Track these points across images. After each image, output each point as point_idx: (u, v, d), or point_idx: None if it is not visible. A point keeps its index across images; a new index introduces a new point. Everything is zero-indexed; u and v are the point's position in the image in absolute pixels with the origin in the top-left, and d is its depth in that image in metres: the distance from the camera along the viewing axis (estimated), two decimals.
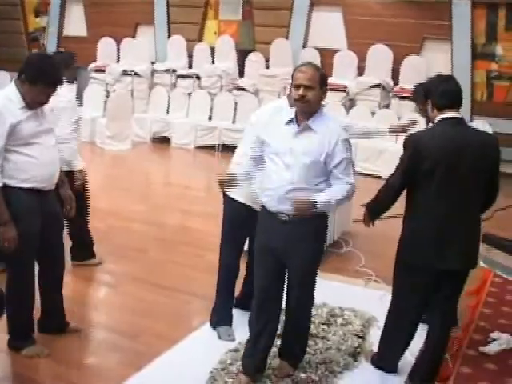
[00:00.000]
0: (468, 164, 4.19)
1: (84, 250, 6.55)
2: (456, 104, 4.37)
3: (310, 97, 4.07)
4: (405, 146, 4.33)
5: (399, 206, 4.52)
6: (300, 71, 4.16)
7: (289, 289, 4.45)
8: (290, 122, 4.23)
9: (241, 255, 5.25)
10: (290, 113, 4.27)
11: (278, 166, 4.18)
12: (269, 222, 4.30)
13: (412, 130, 5.56)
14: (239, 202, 4.97)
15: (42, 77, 4.34)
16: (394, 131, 6.03)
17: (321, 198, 4.05)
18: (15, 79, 4.44)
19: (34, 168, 4.43)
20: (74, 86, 7.18)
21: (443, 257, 4.24)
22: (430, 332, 4.57)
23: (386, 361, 4.80)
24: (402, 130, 5.81)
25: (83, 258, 6.53)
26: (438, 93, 4.36)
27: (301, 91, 4.06)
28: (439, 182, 4.18)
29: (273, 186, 4.19)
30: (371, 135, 6.02)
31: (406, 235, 4.40)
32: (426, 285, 4.42)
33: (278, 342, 4.79)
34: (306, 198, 4.04)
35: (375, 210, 4.61)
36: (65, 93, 5.78)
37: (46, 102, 4.48)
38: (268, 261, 4.33)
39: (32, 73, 4.34)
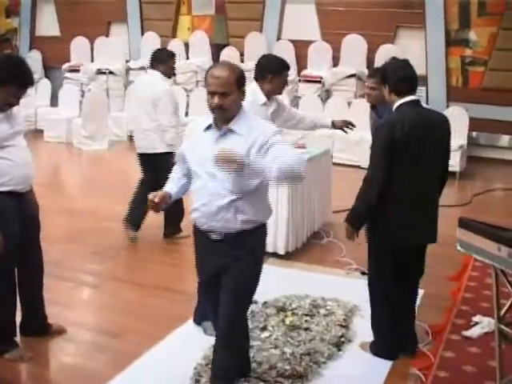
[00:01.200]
0: (433, 144, 4.47)
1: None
2: (415, 88, 4.57)
3: (227, 104, 3.70)
4: (379, 135, 4.41)
5: None
6: (212, 76, 3.71)
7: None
8: (208, 128, 3.87)
9: None
10: (208, 118, 3.88)
11: (203, 179, 3.82)
12: (201, 240, 4.03)
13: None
14: None
15: (11, 78, 4.27)
16: (336, 126, 6.20)
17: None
18: None
19: (11, 170, 4.39)
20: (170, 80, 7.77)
21: (419, 234, 4.59)
22: (403, 306, 4.82)
23: (384, 347, 4.85)
24: (343, 126, 6.04)
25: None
26: (397, 78, 4.51)
27: (216, 99, 3.67)
28: (412, 164, 4.38)
29: (202, 202, 3.83)
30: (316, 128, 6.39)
31: (387, 219, 4.47)
32: (405, 263, 4.66)
33: None
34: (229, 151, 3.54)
35: (361, 214, 4.58)
36: (161, 83, 6.89)
37: (17, 103, 4.42)
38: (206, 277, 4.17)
39: (2, 74, 4.29)
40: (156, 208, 3.97)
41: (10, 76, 4.28)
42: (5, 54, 5.48)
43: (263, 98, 5.42)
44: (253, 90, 5.41)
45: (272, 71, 5.41)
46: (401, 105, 4.47)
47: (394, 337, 4.80)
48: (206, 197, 3.80)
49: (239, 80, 3.74)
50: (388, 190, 4.39)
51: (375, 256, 4.70)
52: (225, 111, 3.72)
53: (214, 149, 3.62)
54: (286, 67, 5.47)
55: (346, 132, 6.35)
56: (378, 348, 4.86)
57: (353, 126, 6.22)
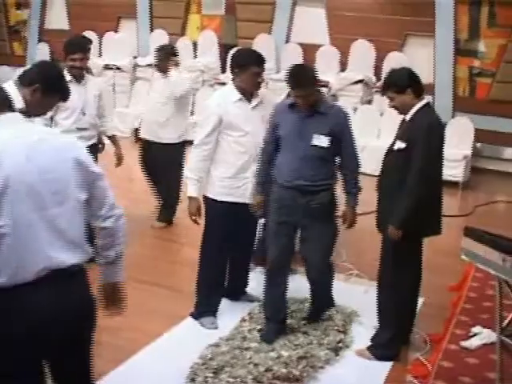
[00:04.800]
0: None
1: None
2: None
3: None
4: (436, 134, 4.65)
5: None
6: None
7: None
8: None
9: (225, 249, 5.26)
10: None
11: None
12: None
13: None
14: (223, 202, 5.03)
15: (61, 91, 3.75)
16: None
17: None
18: (17, 83, 3.75)
19: None
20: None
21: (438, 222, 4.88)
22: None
23: (395, 347, 4.97)
24: None
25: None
26: (417, 81, 4.77)
27: None
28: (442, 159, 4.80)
29: None
30: None
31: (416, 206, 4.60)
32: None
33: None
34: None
35: (413, 213, 4.60)
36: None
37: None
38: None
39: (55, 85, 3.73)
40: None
41: (60, 89, 3.75)
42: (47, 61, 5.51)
43: (237, 95, 5.14)
44: (223, 89, 5.36)
45: (236, 65, 5.12)
46: (424, 106, 4.74)
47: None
48: None
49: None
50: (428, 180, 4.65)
51: (400, 244, 4.73)
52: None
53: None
54: (253, 62, 5.18)
55: None
56: (385, 350, 4.92)
57: None
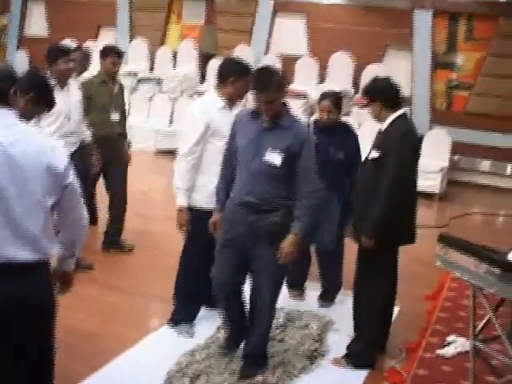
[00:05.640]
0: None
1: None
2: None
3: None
4: (405, 144, 4.68)
5: None
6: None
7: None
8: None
9: (209, 258, 5.25)
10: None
11: None
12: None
13: None
14: (208, 211, 4.92)
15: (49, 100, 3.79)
16: None
17: None
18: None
19: None
20: None
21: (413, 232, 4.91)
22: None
23: (371, 356, 4.99)
24: None
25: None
26: (392, 94, 4.83)
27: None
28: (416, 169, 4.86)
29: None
30: None
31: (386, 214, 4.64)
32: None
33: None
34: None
35: (384, 220, 4.64)
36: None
37: None
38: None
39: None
40: None
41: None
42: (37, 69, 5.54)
43: (221, 103, 5.18)
44: (204, 98, 5.34)
45: (234, 74, 5.16)
46: (399, 117, 4.76)
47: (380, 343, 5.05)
48: None
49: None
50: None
51: (378, 252, 4.77)
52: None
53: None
54: (250, 72, 5.24)
55: None
56: (361, 358, 4.93)
57: None
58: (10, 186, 2.97)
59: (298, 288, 6.16)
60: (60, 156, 3.13)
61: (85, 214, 3.32)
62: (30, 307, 3.12)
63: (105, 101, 6.89)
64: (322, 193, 4.57)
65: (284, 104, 4.44)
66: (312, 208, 4.42)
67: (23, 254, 3.04)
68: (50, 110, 3.78)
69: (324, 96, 5.76)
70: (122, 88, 7.29)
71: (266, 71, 4.44)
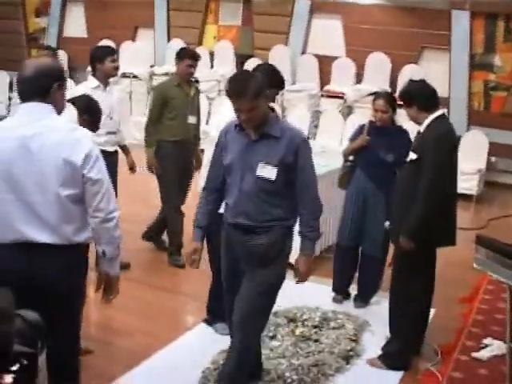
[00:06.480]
0: None
1: None
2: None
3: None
4: (443, 144, 4.68)
5: None
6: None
7: None
8: None
9: None
10: None
11: None
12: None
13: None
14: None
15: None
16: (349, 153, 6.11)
17: None
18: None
19: None
20: None
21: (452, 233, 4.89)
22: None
23: (406, 358, 5.00)
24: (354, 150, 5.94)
25: None
26: (428, 96, 4.84)
27: None
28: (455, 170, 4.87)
29: None
30: None
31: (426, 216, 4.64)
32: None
33: None
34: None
35: (423, 222, 4.65)
36: None
37: None
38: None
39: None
40: None
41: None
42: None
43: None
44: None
45: (276, 83, 5.20)
46: (437, 118, 4.75)
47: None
48: None
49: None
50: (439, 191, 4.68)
51: (413, 251, 4.76)
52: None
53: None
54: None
55: None
56: (396, 360, 4.93)
57: None
58: (26, 178, 3.19)
59: (342, 292, 6.17)
60: (80, 149, 3.24)
61: (110, 209, 3.34)
62: (42, 287, 3.24)
63: (181, 104, 6.78)
64: (319, 203, 4.07)
65: (273, 110, 4.06)
66: (317, 221, 4.02)
67: (42, 237, 3.23)
68: (94, 131, 4.35)
69: (378, 96, 5.81)
70: (197, 91, 7.24)
71: (242, 76, 4.04)
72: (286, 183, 3.92)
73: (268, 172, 3.86)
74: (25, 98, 3.28)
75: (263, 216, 3.94)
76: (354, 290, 6.16)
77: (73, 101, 4.45)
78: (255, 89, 3.79)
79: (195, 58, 6.86)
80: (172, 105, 6.72)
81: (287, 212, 4.00)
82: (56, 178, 3.20)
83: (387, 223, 5.29)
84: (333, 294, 6.14)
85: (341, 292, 6.15)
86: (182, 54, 6.87)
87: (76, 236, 3.33)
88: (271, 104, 4.20)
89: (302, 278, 4.10)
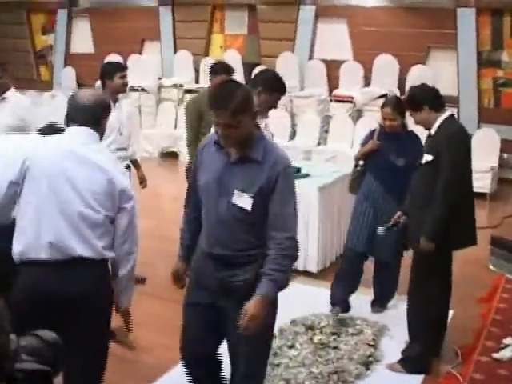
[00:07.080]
0: None
1: None
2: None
3: None
4: (459, 145, 4.70)
5: None
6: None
7: None
8: None
9: None
10: None
11: None
12: None
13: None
14: None
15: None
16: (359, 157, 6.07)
17: None
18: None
19: None
20: None
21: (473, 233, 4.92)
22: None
23: (426, 361, 4.99)
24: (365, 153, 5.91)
25: None
26: (434, 96, 4.85)
27: None
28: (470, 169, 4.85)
29: None
30: None
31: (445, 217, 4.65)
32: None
33: None
34: None
35: (443, 223, 4.66)
36: None
37: None
38: None
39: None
40: None
41: None
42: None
43: None
44: None
45: (272, 88, 5.22)
46: (446, 119, 4.78)
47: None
48: None
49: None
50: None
51: (433, 255, 4.75)
52: None
53: None
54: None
55: None
56: (416, 363, 4.93)
57: None
58: (65, 196, 3.36)
59: (342, 303, 5.80)
60: (120, 178, 3.53)
61: (131, 246, 3.70)
62: (78, 299, 3.32)
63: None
64: (294, 243, 3.45)
65: (258, 127, 3.52)
66: (287, 261, 3.41)
67: (80, 249, 3.36)
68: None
69: (385, 103, 5.77)
70: None
71: (228, 87, 3.41)
72: (264, 214, 3.39)
73: (244, 201, 3.37)
74: (77, 122, 3.52)
75: (241, 246, 3.45)
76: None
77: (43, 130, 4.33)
78: (238, 103, 3.27)
79: (230, 72, 6.63)
80: (206, 119, 6.44)
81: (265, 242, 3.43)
82: (95, 198, 3.41)
83: (380, 229, 5.31)
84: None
85: (341, 304, 5.79)
86: (216, 69, 6.66)
87: (107, 252, 3.51)
88: (258, 120, 3.63)
89: (246, 322, 3.28)
